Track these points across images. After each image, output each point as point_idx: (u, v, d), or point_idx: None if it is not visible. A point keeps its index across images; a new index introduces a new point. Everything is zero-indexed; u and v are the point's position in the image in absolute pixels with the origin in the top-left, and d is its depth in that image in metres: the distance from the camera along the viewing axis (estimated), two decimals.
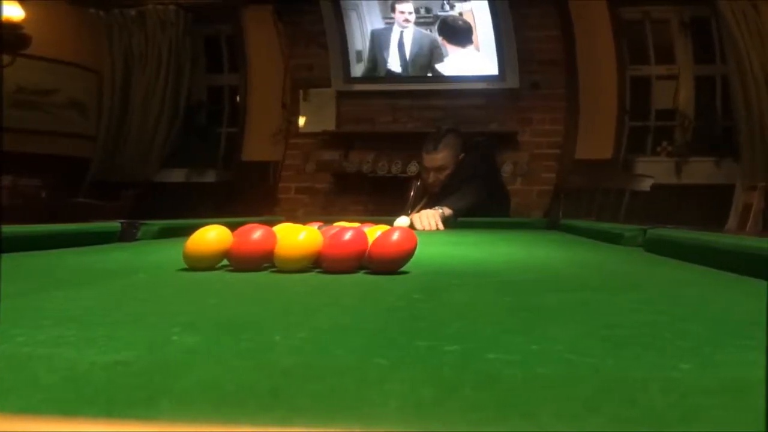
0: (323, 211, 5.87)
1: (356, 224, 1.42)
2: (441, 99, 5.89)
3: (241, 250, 1.05)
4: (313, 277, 1.01)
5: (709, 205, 5.04)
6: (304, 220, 1.67)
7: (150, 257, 1.45)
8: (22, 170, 5.15)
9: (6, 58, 5.39)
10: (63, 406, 0.35)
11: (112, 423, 0.32)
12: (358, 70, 6.01)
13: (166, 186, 6.30)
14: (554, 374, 0.40)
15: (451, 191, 3.54)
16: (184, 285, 0.94)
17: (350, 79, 6.00)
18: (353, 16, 5.91)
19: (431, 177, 3.86)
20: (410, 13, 5.80)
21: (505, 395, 0.36)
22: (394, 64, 5.94)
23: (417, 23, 5.80)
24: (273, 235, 1.07)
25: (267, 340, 0.51)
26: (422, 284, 0.95)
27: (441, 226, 3.01)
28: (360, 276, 1.02)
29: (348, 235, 1.04)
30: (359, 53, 5.98)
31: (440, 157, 3.79)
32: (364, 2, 5.86)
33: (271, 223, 1.22)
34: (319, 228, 1.21)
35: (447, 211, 3.20)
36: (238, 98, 6.47)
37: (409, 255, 1.05)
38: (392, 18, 5.85)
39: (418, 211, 3.19)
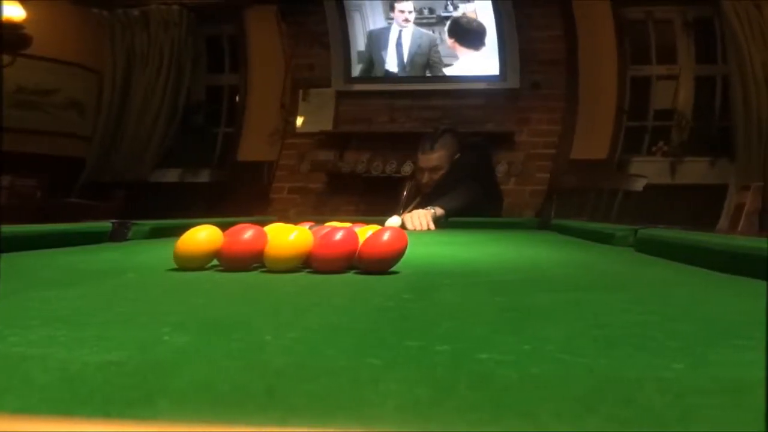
0: (315, 211, 5.86)
1: (347, 224, 1.42)
2: (440, 99, 5.90)
3: (232, 250, 1.05)
4: (303, 277, 1.01)
5: (702, 205, 5.05)
6: (295, 220, 1.67)
7: (140, 257, 1.45)
8: (20, 170, 5.14)
9: (6, 58, 5.39)
10: (61, 406, 0.35)
11: (112, 423, 0.32)
12: (358, 70, 6.02)
13: (160, 186, 6.28)
14: (548, 374, 0.40)
15: (445, 191, 3.53)
16: (173, 285, 0.93)
17: (350, 79, 6.00)
18: (356, 16, 5.92)
19: (425, 177, 3.86)
20: (410, 12, 5.81)
21: (502, 395, 0.36)
22: (391, 64, 5.94)
23: (420, 24, 5.81)
24: (263, 235, 1.07)
25: (258, 340, 0.51)
26: (412, 284, 0.95)
27: (432, 226, 3.01)
28: (350, 276, 1.02)
29: (338, 235, 1.04)
30: (361, 53, 6.00)
31: (435, 158, 3.79)
32: (367, 2, 5.87)
33: (263, 223, 1.22)
34: (310, 228, 1.20)
35: (439, 211, 3.20)
36: (237, 98, 6.45)
37: (399, 255, 1.05)
38: (405, 17, 5.85)
39: (410, 211, 3.18)
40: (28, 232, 1.52)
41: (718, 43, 5.49)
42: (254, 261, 1.07)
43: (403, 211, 3.38)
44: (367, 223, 1.55)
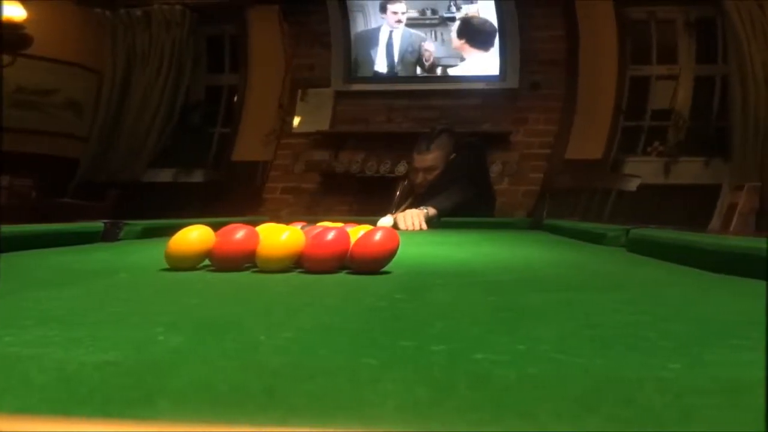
0: (307, 211, 5.85)
1: (339, 224, 1.42)
2: (438, 99, 5.89)
3: (223, 250, 1.05)
4: (295, 277, 1.01)
5: (696, 205, 5.05)
6: (287, 220, 1.67)
7: (132, 257, 1.45)
8: (20, 170, 5.14)
9: (6, 58, 5.37)
10: (60, 406, 0.35)
11: (114, 423, 0.32)
12: (357, 70, 6.02)
13: (154, 186, 6.26)
14: (545, 374, 0.40)
15: (438, 191, 3.53)
16: (165, 285, 0.94)
17: (350, 80, 6.00)
18: (359, 17, 5.93)
19: (419, 177, 3.85)
20: (403, 13, 5.82)
21: (501, 395, 0.36)
22: (381, 65, 5.94)
23: (422, 25, 5.82)
24: (255, 235, 1.07)
25: (252, 340, 0.51)
26: (404, 284, 0.96)
27: (424, 226, 3.00)
28: (342, 276, 1.02)
29: (330, 235, 1.04)
30: (353, 54, 6.00)
31: (431, 158, 3.79)
32: (369, 2, 5.87)
33: (255, 223, 1.22)
34: (302, 228, 1.20)
35: (431, 211, 3.20)
36: (236, 98, 6.44)
37: (391, 255, 1.05)
38: (398, 18, 5.86)
39: (402, 211, 3.18)
40: (21, 232, 1.52)
41: (719, 43, 5.50)
42: (246, 261, 1.07)
43: (396, 211, 3.38)
44: (359, 223, 1.55)
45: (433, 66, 5.88)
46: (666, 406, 0.35)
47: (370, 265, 1.04)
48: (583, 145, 5.56)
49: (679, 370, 0.42)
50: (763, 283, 0.92)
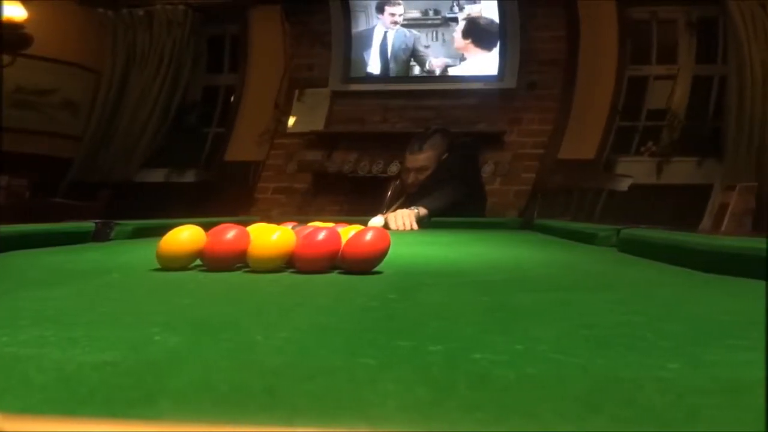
0: (299, 211, 5.84)
1: (330, 224, 1.42)
2: (434, 99, 5.89)
3: (215, 250, 1.05)
4: (287, 277, 1.01)
5: (687, 205, 5.05)
6: (278, 221, 1.67)
7: (123, 257, 1.44)
8: (20, 170, 5.13)
9: (6, 58, 5.36)
10: (61, 407, 0.35)
11: (117, 423, 0.32)
12: (351, 71, 6.02)
13: (146, 186, 6.24)
14: (545, 374, 0.40)
15: (429, 191, 3.53)
16: (157, 285, 0.94)
17: (348, 80, 6.00)
18: (362, 17, 5.93)
19: (411, 177, 3.85)
20: (400, 15, 5.82)
21: (503, 395, 0.36)
22: (374, 66, 5.95)
23: (423, 25, 5.82)
24: (246, 235, 1.07)
25: (248, 340, 0.51)
26: (396, 284, 0.96)
27: (415, 226, 3.00)
28: (333, 276, 1.02)
29: (321, 235, 1.04)
30: (347, 54, 6.00)
31: (423, 158, 3.78)
32: (371, 2, 5.87)
33: (246, 224, 1.22)
34: (293, 228, 1.20)
35: (422, 211, 3.19)
36: (232, 98, 6.43)
37: (382, 255, 1.05)
38: (395, 20, 5.86)
39: (393, 211, 3.17)
40: (11, 232, 1.51)
41: (720, 42, 5.51)
42: (237, 261, 1.07)
43: (387, 211, 3.37)
44: (350, 223, 1.55)
45: (432, 66, 5.88)
46: (669, 407, 0.35)
47: (361, 265, 1.04)
48: (576, 145, 5.56)
49: (678, 370, 0.42)
50: (755, 282, 0.93)
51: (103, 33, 6.33)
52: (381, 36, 5.91)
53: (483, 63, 5.76)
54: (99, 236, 1.88)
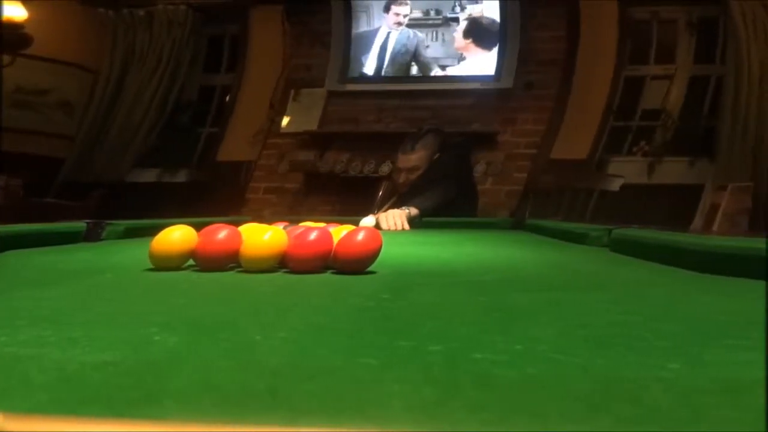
0: (290, 211, 5.82)
1: (322, 224, 1.42)
2: (430, 99, 5.87)
3: (207, 250, 1.05)
4: (280, 277, 1.01)
5: (679, 205, 5.06)
6: (270, 220, 1.67)
7: (115, 257, 1.44)
8: (19, 170, 5.12)
9: (6, 58, 5.34)
10: (64, 407, 0.35)
11: (120, 423, 0.32)
12: (348, 71, 6.01)
13: (138, 186, 6.21)
14: (546, 374, 0.41)
15: (420, 191, 3.52)
16: (151, 285, 0.94)
17: (345, 80, 5.98)
18: (363, 17, 5.92)
19: (402, 177, 3.85)
20: (405, 16, 5.81)
21: (507, 395, 0.36)
22: (369, 67, 5.95)
23: (424, 25, 5.82)
24: (238, 235, 1.07)
25: (246, 340, 0.52)
26: (389, 284, 0.96)
27: (407, 226, 2.99)
28: (326, 276, 1.02)
29: (313, 236, 1.04)
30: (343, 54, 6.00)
31: (415, 158, 3.78)
32: (374, 2, 5.86)
33: (237, 223, 1.22)
34: (284, 228, 1.20)
35: (414, 210, 3.18)
36: (227, 98, 6.41)
37: (374, 255, 1.05)
38: (398, 20, 5.86)
39: (384, 211, 3.17)
40: (4, 232, 1.51)
41: (720, 42, 5.51)
42: (230, 261, 1.07)
43: (378, 211, 3.37)
44: (342, 223, 1.55)
45: (430, 66, 5.88)
46: (673, 406, 0.35)
47: (354, 265, 1.04)
48: (569, 145, 5.55)
49: (678, 370, 0.42)
50: (749, 282, 0.93)
51: (103, 33, 6.30)
52: (383, 37, 5.90)
53: (481, 63, 5.76)
54: (90, 236, 1.88)
